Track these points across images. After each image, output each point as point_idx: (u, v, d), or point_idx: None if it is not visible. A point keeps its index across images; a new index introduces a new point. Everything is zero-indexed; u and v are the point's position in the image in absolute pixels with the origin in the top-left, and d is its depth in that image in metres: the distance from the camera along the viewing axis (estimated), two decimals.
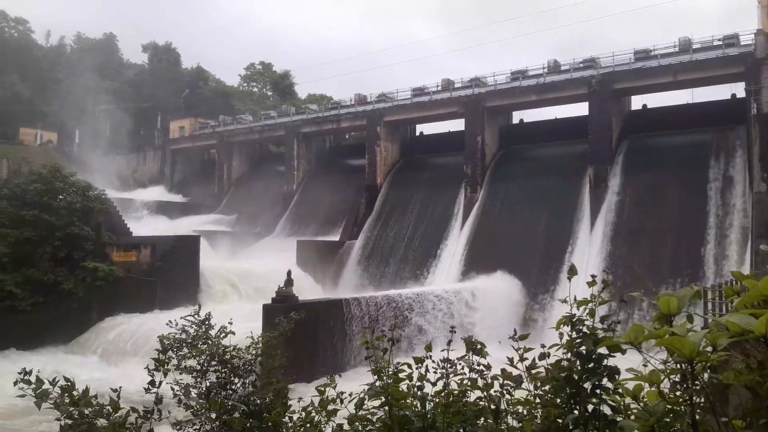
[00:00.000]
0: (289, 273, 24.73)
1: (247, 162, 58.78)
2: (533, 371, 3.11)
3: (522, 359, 3.17)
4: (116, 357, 26.58)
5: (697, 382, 2.04)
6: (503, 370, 3.25)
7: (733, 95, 36.11)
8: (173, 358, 5.43)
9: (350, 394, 3.76)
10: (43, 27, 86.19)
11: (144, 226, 41.55)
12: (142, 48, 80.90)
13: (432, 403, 3.31)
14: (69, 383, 4.21)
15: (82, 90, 63.64)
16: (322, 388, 3.81)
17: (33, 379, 4.08)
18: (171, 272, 33.43)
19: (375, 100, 47.91)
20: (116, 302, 31.26)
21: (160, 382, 4.81)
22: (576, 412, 2.64)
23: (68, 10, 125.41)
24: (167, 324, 5.95)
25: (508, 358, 3.25)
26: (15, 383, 4.11)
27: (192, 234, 38.60)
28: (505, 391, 3.25)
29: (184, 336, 5.71)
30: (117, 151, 63.67)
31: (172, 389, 4.86)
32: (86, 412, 4.20)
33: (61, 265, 31.27)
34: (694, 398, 2.09)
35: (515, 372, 3.19)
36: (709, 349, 1.89)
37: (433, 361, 3.66)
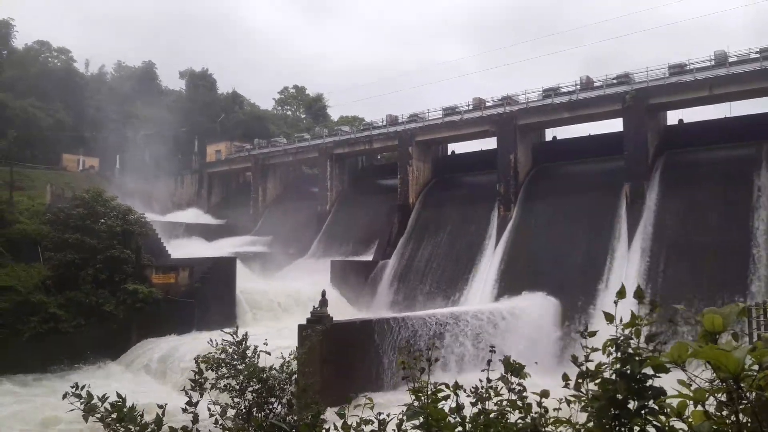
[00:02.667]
0: (323, 293, 24.83)
1: (282, 184, 59.64)
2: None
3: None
4: (155, 377, 26.97)
5: (743, 401, 2.01)
6: (543, 391, 3.21)
7: None
8: (211, 378, 5.51)
9: (388, 415, 3.76)
10: (84, 56, 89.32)
11: (182, 248, 42.33)
12: (179, 74, 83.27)
13: (472, 424, 3.29)
14: (120, 400, 4.34)
15: (123, 116, 65.66)
16: (356, 408, 3.82)
17: (84, 393, 4.22)
18: (208, 293, 33.92)
19: (406, 120, 48.19)
20: (155, 324, 31.80)
21: (197, 402, 4.88)
22: None
23: (108, 38, 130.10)
24: (208, 343, 6.04)
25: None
26: (64, 396, 4.26)
27: (228, 256, 39.16)
28: (544, 411, 3.21)
29: (223, 356, 5.79)
30: (156, 176, 65.22)
31: (209, 409, 4.93)
32: (132, 428, 4.30)
33: (102, 288, 32.02)
34: (741, 417, 2.05)
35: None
36: (756, 366, 1.86)
37: (464, 389, 3.62)
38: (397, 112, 51.30)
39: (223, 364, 5.73)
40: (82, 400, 4.24)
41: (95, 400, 4.33)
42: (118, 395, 4.46)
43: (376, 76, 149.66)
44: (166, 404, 4.53)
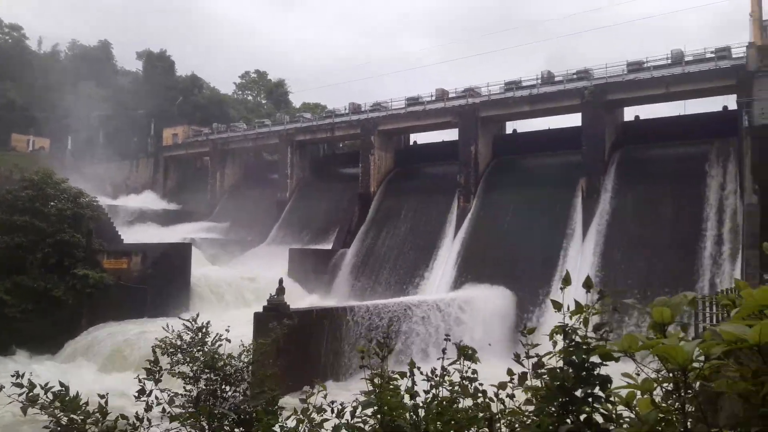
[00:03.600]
0: (280, 281, 24.64)
1: (241, 170, 58.80)
2: (539, 369, 3.04)
3: (528, 356, 3.12)
4: (105, 364, 26.34)
5: (689, 391, 2.04)
6: (509, 370, 3.21)
7: (725, 107, 36.40)
8: (166, 365, 5.38)
9: (342, 403, 3.74)
10: (38, 33, 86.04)
11: (135, 233, 41.36)
12: (136, 55, 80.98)
13: (424, 412, 3.30)
14: (63, 389, 4.19)
15: (76, 97, 63.56)
16: (310, 396, 3.78)
17: (25, 382, 4.05)
18: (162, 280, 33.29)
19: (369, 109, 48.06)
20: (106, 309, 31.07)
21: (151, 391, 4.77)
22: (568, 420, 2.64)
23: (63, 17, 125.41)
24: (164, 328, 5.90)
25: (515, 354, 3.21)
26: (0, 388, 4.08)
27: (183, 242, 38.47)
28: (495, 398, 3.24)
29: (179, 342, 5.67)
30: (110, 158, 63.50)
31: (156, 398, 4.82)
32: (76, 417, 4.17)
33: (51, 272, 31.06)
34: (687, 407, 2.09)
35: (521, 370, 3.13)
36: (702, 358, 1.89)
37: (422, 373, 3.64)
38: (360, 101, 51.02)
39: (179, 351, 5.61)
40: (23, 390, 4.08)
41: (38, 389, 4.17)
42: (61, 384, 4.30)
43: (340, 65, 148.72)
44: (107, 393, 4.40)
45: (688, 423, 2.11)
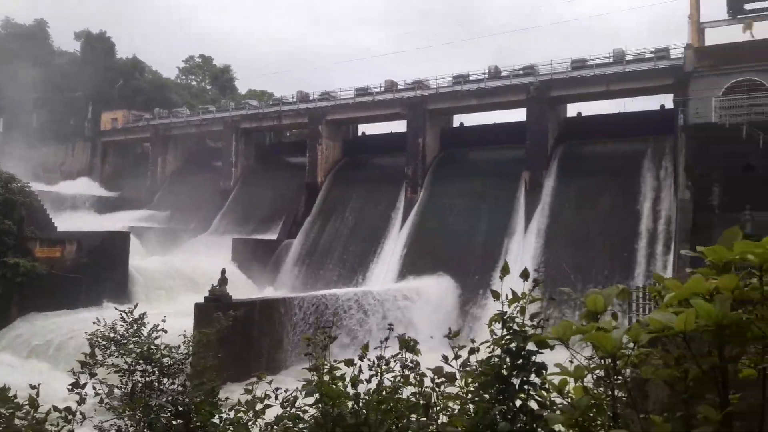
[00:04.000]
0: (223, 272, 24.20)
1: (183, 157, 57.24)
2: (466, 368, 3.15)
3: (456, 357, 3.22)
4: (36, 355, 25.31)
5: (619, 378, 2.11)
6: (436, 369, 3.28)
7: (662, 106, 37.85)
8: (100, 358, 5.21)
9: (285, 391, 3.71)
10: None
11: (71, 221, 39.77)
12: (74, 36, 77.50)
13: (365, 400, 3.31)
14: None
15: (8, 76, 60.37)
16: (250, 387, 3.74)
17: None
18: (98, 269, 32.19)
19: (317, 98, 47.62)
20: (38, 299, 29.83)
21: (85, 383, 4.61)
22: (504, 406, 2.69)
23: None
24: (94, 322, 5.72)
25: (443, 356, 3.28)
26: None
27: (122, 230, 37.28)
28: (436, 387, 3.28)
29: (113, 335, 5.50)
30: (44, 142, 60.72)
31: (94, 388, 4.67)
32: (3, 411, 4.01)
33: None
34: (616, 393, 2.16)
35: (449, 369, 3.23)
36: (632, 345, 1.96)
37: (369, 360, 3.66)
38: (308, 90, 50.45)
39: (113, 343, 5.44)
40: None
41: None
42: None
43: (289, 54, 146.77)
44: (39, 384, 4.24)
45: (618, 408, 2.18)
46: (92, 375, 4.77)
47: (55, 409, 4.41)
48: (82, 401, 4.60)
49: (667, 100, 36.14)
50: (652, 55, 36.18)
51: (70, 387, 4.65)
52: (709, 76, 31.27)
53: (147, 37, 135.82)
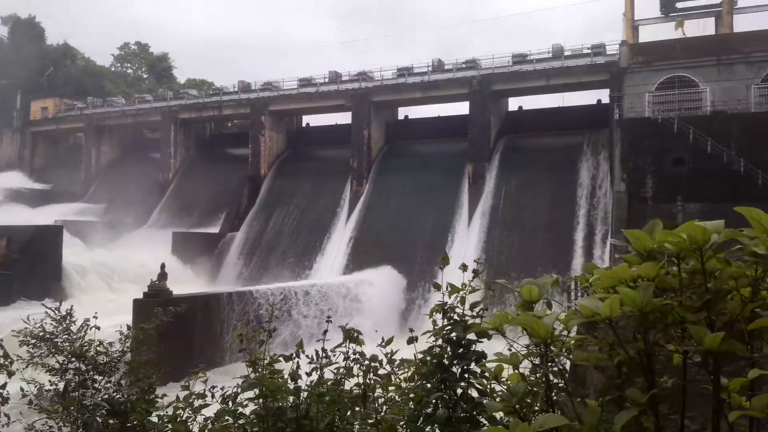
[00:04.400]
0: (162, 266, 23.53)
1: (119, 148, 55.19)
2: (401, 361, 3.18)
3: (390, 361, 3.26)
4: None
5: (553, 364, 2.17)
6: (372, 357, 3.29)
7: (599, 101, 39.13)
8: (26, 357, 4.99)
9: (222, 388, 3.65)
10: None
11: (0, 215, 37.84)
12: (0, 20, 73.48)
13: (307, 393, 3.29)
14: None
15: None
16: (188, 384, 3.66)
17: None
18: (30, 265, 30.81)
19: (260, 88, 46.82)
20: None
21: (5, 384, 4.40)
22: (444, 394, 2.73)
23: None
24: (23, 320, 5.46)
25: (381, 354, 3.30)
26: None
27: (54, 224, 35.74)
28: (378, 378, 3.30)
29: (42, 333, 5.27)
30: None
31: (21, 389, 4.47)
32: None
33: None
34: (552, 379, 2.21)
35: (383, 372, 3.27)
36: (566, 332, 2.02)
37: (308, 356, 3.63)
38: (250, 80, 49.50)
39: (41, 341, 5.21)
40: None
41: None
42: None
43: (229, 43, 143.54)
44: None
45: (552, 394, 2.24)
46: (10, 374, 4.57)
47: None
48: (4, 401, 4.40)
49: (604, 95, 37.44)
50: (590, 51, 37.32)
51: None
52: (643, 72, 32.51)
53: (79, 23, 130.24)
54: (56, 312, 5.29)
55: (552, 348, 2.01)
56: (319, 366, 3.54)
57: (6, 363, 4.55)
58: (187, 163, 49.45)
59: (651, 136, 29.90)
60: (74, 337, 5.11)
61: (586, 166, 34.71)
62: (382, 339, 3.43)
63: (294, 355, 3.61)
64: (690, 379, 1.76)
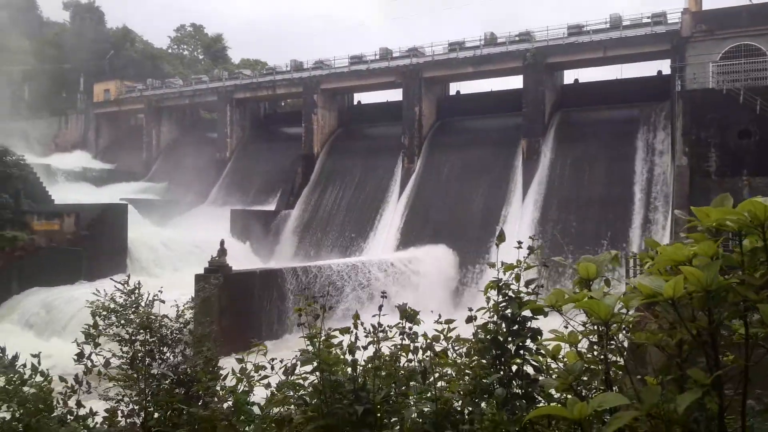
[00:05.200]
0: (222, 242, 24.24)
1: (177, 128, 56.79)
2: (458, 337, 3.20)
3: (447, 338, 3.27)
4: (39, 328, 25.52)
5: (612, 343, 2.15)
6: (428, 336, 3.33)
7: (659, 72, 37.58)
8: (101, 328, 5.26)
9: (281, 361, 3.77)
10: None
11: (68, 193, 39.64)
12: (63, 5, 76.16)
13: (363, 367, 3.36)
14: (1, 350, 4.10)
15: None
16: (248, 356, 3.79)
17: None
18: (97, 242, 32.22)
19: (312, 67, 47.03)
20: (39, 273, 29.89)
21: (90, 354, 4.67)
22: (501, 371, 2.74)
23: None
24: (94, 293, 5.74)
25: (436, 330, 3.32)
26: None
27: (119, 202, 37.21)
28: (434, 353, 3.33)
29: (112, 305, 5.53)
30: (37, 115, 60.10)
31: (90, 361, 4.73)
32: (13, 378, 4.10)
33: None
34: (610, 357, 2.20)
35: (438, 348, 3.29)
36: (624, 311, 1.99)
37: (365, 329, 3.69)
38: (302, 59, 49.83)
39: (113, 314, 5.48)
40: None
41: None
42: None
43: (280, 23, 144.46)
44: (40, 352, 4.31)
45: (610, 372, 2.23)
46: (96, 345, 4.83)
47: (61, 379, 4.48)
48: (88, 371, 4.67)
49: (665, 66, 35.92)
50: (649, 21, 35.76)
51: (75, 358, 4.72)
52: (707, 41, 31.00)
53: (137, 5, 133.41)
54: (125, 285, 5.54)
55: (611, 327, 1.99)
56: (375, 340, 3.60)
57: (94, 333, 4.82)
58: (242, 142, 50.45)
59: (715, 107, 28.60)
60: (143, 310, 5.36)
61: (644, 139, 33.55)
62: (439, 316, 3.45)
63: (352, 327, 3.67)
64: (756, 361, 1.72)
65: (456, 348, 3.25)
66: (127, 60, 67.76)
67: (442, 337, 3.29)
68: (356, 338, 3.56)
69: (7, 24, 63.50)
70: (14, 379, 4.19)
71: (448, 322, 3.35)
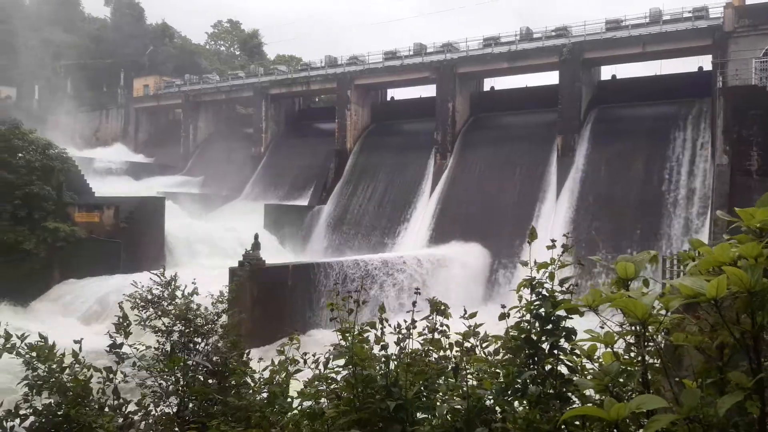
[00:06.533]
0: (256, 236, 24.55)
1: (214, 123, 57.69)
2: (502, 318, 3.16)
3: (474, 334, 3.26)
4: (78, 317, 26.26)
5: (650, 344, 2.11)
6: (465, 333, 3.32)
7: (700, 68, 36.60)
8: (138, 319, 5.38)
9: (314, 354, 3.80)
10: None
11: (107, 186, 40.66)
12: (104, 1, 77.95)
13: (395, 363, 3.37)
14: (42, 339, 4.23)
15: (42, 43, 61.22)
16: (282, 348, 3.84)
17: (1, 332, 4.10)
18: (135, 234, 33.00)
19: (346, 63, 47.18)
20: (79, 264, 30.73)
21: (122, 344, 4.78)
22: (534, 370, 2.72)
23: None
24: (132, 284, 5.87)
25: (466, 326, 3.31)
26: None
27: (157, 195, 37.99)
28: (465, 350, 3.32)
29: (149, 297, 5.64)
30: (78, 109, 61.74)
31: (125, 352, 4.84)
32: (53, 366, 4.23)
33: (21, 225, 30.49)
34: (647, 359, 2.16)
35: (468, 344, 3.28)
36: (663, 311, 1.95)
37: (392, 326, 3.69)
38: (336, 54, 49.94)
39: (150, 305, 5.60)
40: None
41: (14, 339, 4.22)
42: (40, 335, 4.36)
43: (315, 19, 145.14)
44: (82, 339, 4.43)
45: (648, 374, 2.19)
46: (127, 335, 4.94)
47: (95, 369, 4.61)
48: (120, 361, 4.78)
49: (705, 62, 34.93)
50: (690, 15, 34.82)
51: (107, 348, 4.84)
52: (750, 36, 30.08)
53: (174, 1, 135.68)
54: (162, 277, 5.66)
55: (649, 328, 1.95)
56: (406, 336, 3.60)
57: (125, 324, 4.94)
58: (277, 137, 50.97)
59: (757, 104, 27.76)
60: (181, 303, 5.46)
61: (683, 137, 32.74)
62: (464, 310, 3.44)
63: (379, 322, 3.69)
64: None
65: (484, 345, 3.23)
66: (166, 55, 69.08)
67: (471, 333, 3.28)
68: (382, 333, 3.58)
69: (51, 20, 65.33)
70: (54, 367, 4.32)
71: (472, 316, 3.34)
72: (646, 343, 2.04)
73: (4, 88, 61.63)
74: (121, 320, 4.95)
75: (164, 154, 56.09)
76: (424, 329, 3.65)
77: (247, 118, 54.36)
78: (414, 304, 3.53)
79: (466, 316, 3.39)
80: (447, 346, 3.48)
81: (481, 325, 3.35)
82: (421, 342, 3.63)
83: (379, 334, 3.58)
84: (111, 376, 4.65)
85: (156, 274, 5.78)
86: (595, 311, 2.15)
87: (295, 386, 3.89)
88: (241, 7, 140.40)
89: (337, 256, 32.01)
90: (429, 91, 44.16)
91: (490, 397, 2.95)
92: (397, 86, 47.58)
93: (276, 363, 3.99)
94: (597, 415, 1.69)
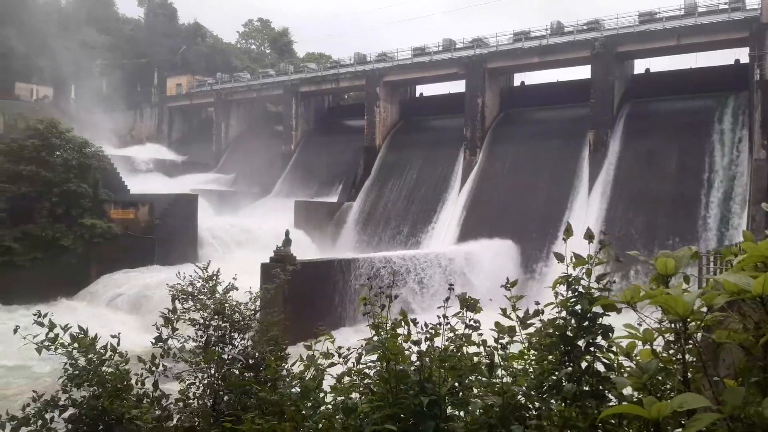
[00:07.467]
0: (287, 233, 24.77)
1: (245, 121, 58.39)
2: (527, 322, 3.15)
3: (515, 309, 3.21)
4: (117, 312, 26.86)
5: (690, 342, 2.08)
6: (497, 323, 3.30)
7: (737, 60, 35.64)
8: (179, 312, 5.46)
9: (348, 349, 3.83)
10: None
11: (142, 183, 41.45)
12: (137, 2, 79.40)
13: (428, 358, 3.38)
14: (83, 331, 4.36)
15: (78, 44, 62.64)
16: (315, 344, 3.88)
17: (46, 322, 4.24)
18: (169, 230, 33.63)
19: (374, 60, 47.22)
20: (115, 259, 31.51)
21: (167, 338, 4.88)
22: (570, 368, 2.70)
23: None
24: (176, 275, 5.94)
25: (501, 309, 3.28)
26: (15, 330, 4.24)
27: (190, 192, 38.61)
28: (499, 346, 3.31)
29: (190, 289, 5.71)
30: (113, 108, 63.06)
31: (170, 345, 4.94)
32: (93, 358, 4.34)
33: (59, 222, 31.30)
34: (687, 357, 2.12)
35: (508, 323, 3.24)
36: (704, 309, 1.92)
37: (416, 324, 3.69)
38: (365, 51, 50.04)
39: (190, 298, 5.68)
40: (42, 330, 4.26)
41: (58, 329, 4.34)
42: (80, 327, 4.48)
43: (345, 17, 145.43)
44: (119, 333, 4.55)
45: (688, 373, 2.15)
46: (174, 330, 5.03)
47: (140, 359, 4.71)
48: (166, 353, 4.87)
49: (742, 54, 34.00)
50: (726, 6, 33.91)
51: (153, 341, 4.94)
52: None
53: (206, 0, 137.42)
54: (204, 271, 5.75)
55: (690, 325, 1.92)
56: (435, 332, 3.60)
57: (172, 317, 5.04)
58: (307, 134, 51.32)
59: None
60: (219, 297, 5.55)
61: (719, 132, 31.93)
62: (507, 280, 3.43)
63: (408, 319, 3.69)
64: None
65: (525, 338, 3.20)
66: (198, 55, 70.10)
67: (509, 317, 3.24)
68: (409, 331, 3.58)
69: (86, 20, 66.76)
70: (94, 359, 4.44)
71: (513, 284, 3.32)
72: (686, 341, 2.01)
73: (42, 88, 63.22)
74: (169, 313, 5.06)
75: (197, 151, 56.96)
76: (456, 324, 3.65)
77: (278, 115, 54.84)
78: (447, 299, 3.52)
79: (508, 284, 3.38)
80: (480, 342, 3.47)
81: (518, 308, 3.31)
82: (453, 338, 3.62)
83: (410, 329, 3.59)
84: (152, 368, 4.75)
85: (199, 267, 5.86)
86: (634, 308, 2.13)
87: (327, 381, 3.93)
88: (272, 7, 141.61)
89: (366, 253, 32.09)
90: (458, 86, 43.96)
91: (525, 394, 2.93)
92: (425, 82, 47.42)
93: (308, 358, 4.03)
94: (638, 414, 1.68)
